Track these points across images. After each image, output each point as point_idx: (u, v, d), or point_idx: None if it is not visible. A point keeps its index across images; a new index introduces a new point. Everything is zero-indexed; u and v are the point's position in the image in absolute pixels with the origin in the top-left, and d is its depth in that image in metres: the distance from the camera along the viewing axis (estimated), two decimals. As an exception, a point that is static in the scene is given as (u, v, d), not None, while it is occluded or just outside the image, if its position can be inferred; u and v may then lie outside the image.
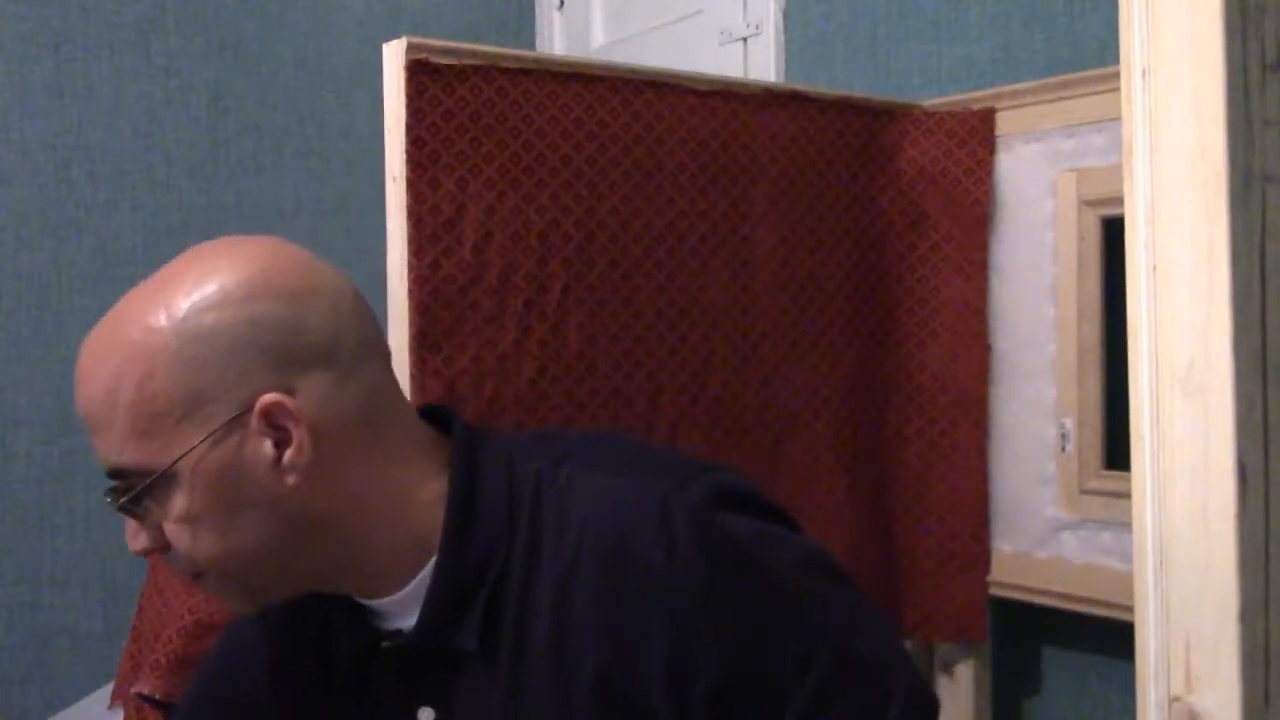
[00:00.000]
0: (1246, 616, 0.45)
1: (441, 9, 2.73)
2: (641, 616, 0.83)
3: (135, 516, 0.85)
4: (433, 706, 0.90)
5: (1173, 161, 0.48)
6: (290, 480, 0.84)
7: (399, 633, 0.91)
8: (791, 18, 2.17)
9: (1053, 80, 1.56)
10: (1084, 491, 1.52)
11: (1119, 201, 0.55)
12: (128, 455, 0.83)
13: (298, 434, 0.83)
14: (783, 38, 2.18)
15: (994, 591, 1.62)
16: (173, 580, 1.53)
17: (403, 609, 0.90)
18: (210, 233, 3.07)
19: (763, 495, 0.90)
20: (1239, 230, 0.46)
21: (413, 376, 1.19)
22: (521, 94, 1.25)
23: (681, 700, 0.83)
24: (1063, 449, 1.54)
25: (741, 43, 2.27)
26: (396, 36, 1.20)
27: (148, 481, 0.82)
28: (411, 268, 1.18)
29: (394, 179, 1.20)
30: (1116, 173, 0.53)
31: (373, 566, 0.89)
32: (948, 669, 1.68)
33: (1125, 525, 1.41)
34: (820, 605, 0.87)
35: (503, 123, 1.23)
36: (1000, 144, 1.60)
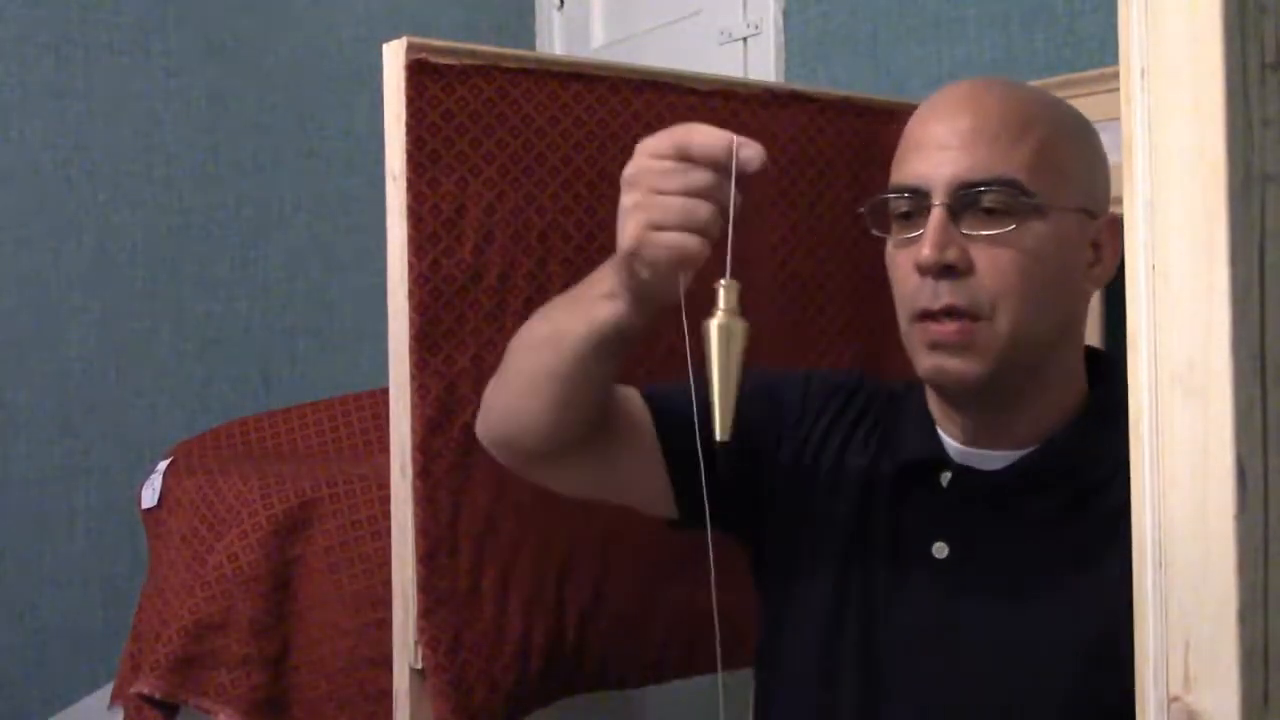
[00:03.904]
0: (1245, 617, 0.45)
1: (441, 9, 2.73)
2: None
3: (993, 224, 0.89)
4: (948, 543, 0.94)
5: (1173, 161, 0.48)
6: (1087, 289, 0.93)
7: (963, 468, 0.96)
8: (791, 18, 2.17)
9: (1053, 80, 1.55)
10: (1084, 491, 1.52)
11: (1119, 201, 0.55)
12: (1024, 175, 0.89)
13: (1111, 257, 0.92)
14: (783, 38, 2.18)
15: (994, 591, 1.61)
16: (173, 580, 1.53)
17: (984, 463, 0.96)
18: (210, 233, 3.05)
19: None
20: (1239, 230, 0.46)
21: (413, 376, 1.19)
22: (521, 94, 1.25)
23: None
24: (1063, 449, 1.53)
25: (741, 43, 2.27)
26: (396, 36, 1.20)
27: (1033, 203, 0.89)
28: (411, 267, 1.18)
29: (394, 179, 1.20)
30: (1116, 173, 0.53)
31: (1019, 417, 0.94)
32: (948, 669, 1.68)
33: (1125, 525, 1.41)
34: None
35: (503, 123, 1.23)
36: (1000, 144, 1.60)
